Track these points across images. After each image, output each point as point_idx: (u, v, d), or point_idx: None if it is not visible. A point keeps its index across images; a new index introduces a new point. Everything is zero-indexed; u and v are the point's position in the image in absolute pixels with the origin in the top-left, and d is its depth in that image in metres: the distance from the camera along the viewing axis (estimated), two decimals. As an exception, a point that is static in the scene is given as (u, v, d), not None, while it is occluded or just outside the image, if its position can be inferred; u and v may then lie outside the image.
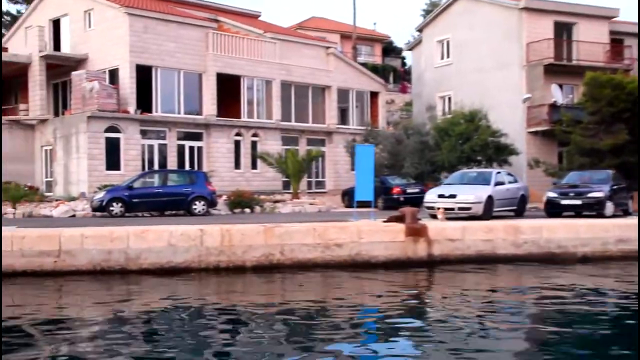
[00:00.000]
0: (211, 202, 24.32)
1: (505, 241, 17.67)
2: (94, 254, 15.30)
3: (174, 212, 24.81)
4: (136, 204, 23.39)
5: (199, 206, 23.90)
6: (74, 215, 24.35)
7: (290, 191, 32.61)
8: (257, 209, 26.99)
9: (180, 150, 31.52)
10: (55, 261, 15.12)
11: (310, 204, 29.05)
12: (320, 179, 37.27)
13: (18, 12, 47.47)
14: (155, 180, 24.59)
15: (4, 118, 32.21)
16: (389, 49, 68.63)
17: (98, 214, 24.04)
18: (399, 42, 72.90)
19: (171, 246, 15.70)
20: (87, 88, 28.58)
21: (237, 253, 16.06)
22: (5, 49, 34.75)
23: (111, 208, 23.04)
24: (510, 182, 21.97)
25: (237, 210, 26.38)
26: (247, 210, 26.61)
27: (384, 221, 18.10)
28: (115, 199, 23.12)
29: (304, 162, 30.64)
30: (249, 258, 16.11)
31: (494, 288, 14.88)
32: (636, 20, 34.18)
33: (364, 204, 21.70)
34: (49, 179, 31.63)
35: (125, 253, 15.46)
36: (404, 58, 70.01)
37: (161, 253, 15.62)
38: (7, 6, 52.00)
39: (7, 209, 24.67)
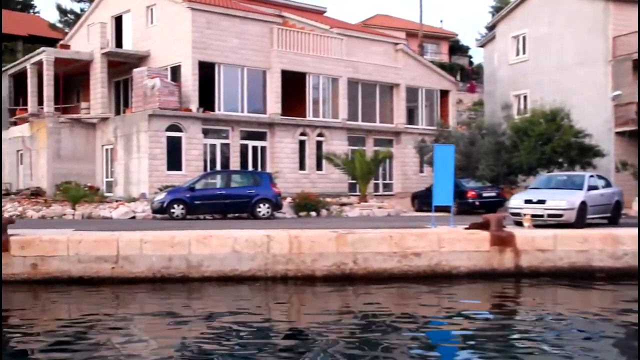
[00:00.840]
0: (276, 205, 23.26)
1: (603, 252, 16.01)
2: (153, 261, 14.39)
3: (236, 215, 23.86)
4: (198, 206, 22.52)
5: (263, 209, 22.88)
6: (133, 217, 23.68)
7: (357, 194, 31.45)
8: (324, 212, 25.84)
9: (243, 150, 30.65)
10: (112, 267, 14.28)
11: (379, 207, 27.74)
12: (387, 182, 35.86)
13: (82, 10, 47.61)
14: (218, 181, 23.69)
15: (65, 116, 32.00)
16: (455, 47, 66.79)
17: (158, 215, 23.29)
18: (466, 40, 70.96)
19: (236, 253, 14.66)
20: (148, 85, 27.98)
21: (306, 262, 14.93)
22: (68, 46, 34.64)
23: (172, 210, 22.23)
24: (603, 187, 20.15)
25: (302, 214, 25.29)
26: (313, 213, 25.48)
27: (466, 228, 16.65)
28: (176, 200, 22.29)
29: (372, 163, 29.30)
30: (319, 267, 14.96)
31: (594, 307, 13.25)
32: None
33: (439, 209, 20.25)
34: (109, 179, 31.21)
35: (186, 260, 14.50)
36: (470, 57, 68.08)
37: (225, 260, 14.61)
38: (71, 5, 52.53)
39: (67, 209, 24.21)
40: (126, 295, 13.76)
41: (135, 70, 29.57)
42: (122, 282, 14.19)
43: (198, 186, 22.93)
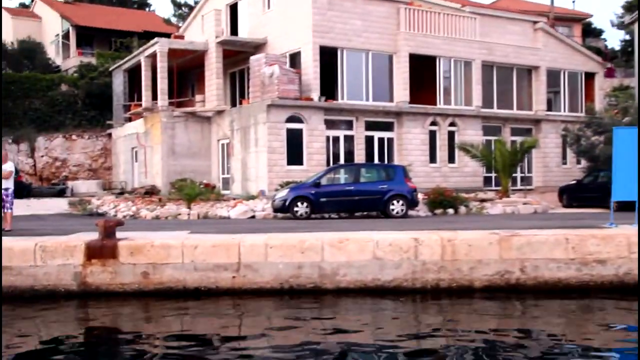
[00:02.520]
0: (411, 202, 20.78)
1: None
2: (280, 269, 12.34)
3: (364, 213, 21.59)
4: (323, 204, 20.39)
5: (397, 207, 20.46)
6: (253, 217, 21.89)
7: (493, 188, 28.56)
8: (462, 209, 23.10)
9: (368, 142, 28.35)
10: (233, 277, 12.33)
11: (524, 203, 24.64)
12: (525, 174, 32.53)
13: (195, 2, 46.96)
14: (346, 176, 21.44)
15: (180, 110, 30.88)
16: (588, 30, 61.91)
17: (279, 215, 21.39)
18: (599, 22, 65.62)
19: (377, 260, 12.37)
20: (266, 73, 26.21)
21: (462, 270, 12.46)
22: (182, 37, 33.61)
23: (295, 209, 20.22)
24: None
25: (437, 211, 22.67)
26: (450, 210, 22.82)
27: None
28: (300, 198, 20.26)
29: (517, 154, 26.22)
30: (478, 276, 12.47)
31: None
32: None
33: (598, 205, 17.09)
34: (225, 176, 29.81)
35: (319, 268, 12.35)
36: (605, 39, 63.03)
37: (365, 268, 12.36)
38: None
39: (182, 209, 22.75)
40: (249, 309, 11.76)
41: (252, 57, 27.92)
42: (245, 293, 12.26)
43: (324, 182, 20.78)
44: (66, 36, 48.90)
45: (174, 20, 51.11)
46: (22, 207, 24.28)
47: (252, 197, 24.91)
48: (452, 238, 12.59)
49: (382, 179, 21.10)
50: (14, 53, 46.64)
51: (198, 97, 32.17)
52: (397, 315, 11.47)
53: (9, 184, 16.52)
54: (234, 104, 31.78)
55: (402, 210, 20.48)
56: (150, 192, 28.50)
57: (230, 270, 12.34)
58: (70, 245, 12.45)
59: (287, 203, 20.29)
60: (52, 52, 50.00)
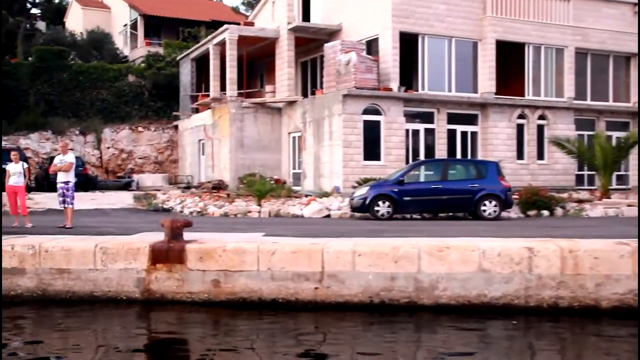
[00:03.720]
0: (505, 203, 18.87)
1: None
2: (370, 280, 10.74)
3: (450, 214, 19.82)
4: (407, 203, 18.68)
5: (489, 207, 18.59)
6: (328, 216, 20.40)
7: (586, 187, 26.36)
8: (558, 211, 21.04)
9: (450, 136, 26.48)
10: (316, 288, 10.80)
11: (628, 205, 22.34)
12: (622, 173, 30.00)
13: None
14: (432, 173, 19.64)
15: (249, 101, 29.61)
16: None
17: (357, 214, 19.84)
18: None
19: (483, 272, 10.65)
20: (342, 61, 24.62)
21: (586, 287, 10.63)
22: (252, 24, 32.34)
23: (376, 208, 18.59)
24: None
25: (531, 213, 20.68)
26: (545, 212, 20.78)
27: None
28: (381, 196, 18.62)
29: (621, 150, 23.91)
30: (605, 295, 10.63)
31: None
32: None
33: None
34: (296, 171, 28.41)
35: (415, 280, 10.71)
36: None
37: (469, 282, 10.66)
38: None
39: (252, 206, 21.44)
40: (333, 327, 10.23)
41: (326, 45, 26.36)
42: (328, 307, 10.72)
43: (407, 179, 19.06)
44: (134, 26, 48.52)
45: (242, 9, 50.19)
46: (86, 201, 23.42)
47: (326, 195, 23.44)
48: (574, 248, 10.73)
49: (472, 176, 19.22)
50: (83, 43, 46.47)
51: (268, 88, 30.87)
52: (510, 342, 9.74)
53: (69, 177, 15.44)
54: (305, 95, 30.33)
55: (494, 211, 18.59)
56: (218, 187, 27.33)
57: (312, 280, 10.83)
58: (133, 248, 11.18)
59: (367, 202, 18.68)
60: (120, 43, 49.73)
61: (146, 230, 14.30)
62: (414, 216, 19.83)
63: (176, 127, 38.50)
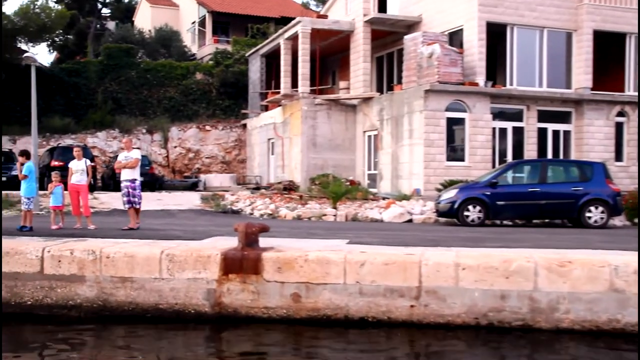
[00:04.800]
0: (614, 209, 17.00)
1: None
2: (476, 298, 9.29)
3: (546, 220, 18.07)
4: (501, 208, 17.03)
5: (595, 214, 16.76)
6: (410, 220, 18.94)
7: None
8: (669, 220, 18.98)
9: (541, 135, 24.55)
10: (412, 306, 9.41)
11: None
12: None
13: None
14: (529, 174, 17.89)
15: (322, 97, 28.34)
16: None
17: (442, 219, 18.33)
18: None
19: (616, 293, 9.10)
20: (424, 54, 23.07)
21: None
22: (325, 16, 31.10)
23: (466, 213, 17.02)
24: None
25: (637, 220, 18.70)
26: (653, 221, 18.76)
27: None
28: (471, 200, 17.03)
29: None
30: None
31: None
32: None
33: None
34: (371, 172, 26.97)
35: (530, 299, 9.22)
36: None
37: (597, 304, 9.14)
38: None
39: (327, 208, 20.16)
40: (433, 351, 8.83)
41: (406, 37, 24.85)
42: (427, 328, 9.33)
43: (501, 181, 17.40)
44: (202, 23, 48.00)
45: (312, 5, 49.13)
46: (152, 201, 22.57)
47: (405, 197, 21.96)
48: None
49: (575, 179, 17.38)
50: (151, 41, 46.21)
51: (342, 84, 29.54)
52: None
53: (135, 175, 14.39)
54: (380, 92, 28.87)
55: (601, 218, 16.75)
56: (289, 188, 26.15)
57: (408, 297, 9.43)
58: (203, 255, 9.99)
59: (455, 206, 17.12)
60: (188, 40, 49.32)
61: (215, 234, 13.16)
62: (505, 223, 18.17)
63: (244, 125, 37.60)
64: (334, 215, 19.40)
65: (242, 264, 9.87)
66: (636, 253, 9.68)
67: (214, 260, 9.91)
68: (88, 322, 9.91)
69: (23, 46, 37.10)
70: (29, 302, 10.33)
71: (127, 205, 14.39)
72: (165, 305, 10.00)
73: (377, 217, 19.26)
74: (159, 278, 10.02)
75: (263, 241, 10.41)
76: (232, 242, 10.75)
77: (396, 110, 24.63)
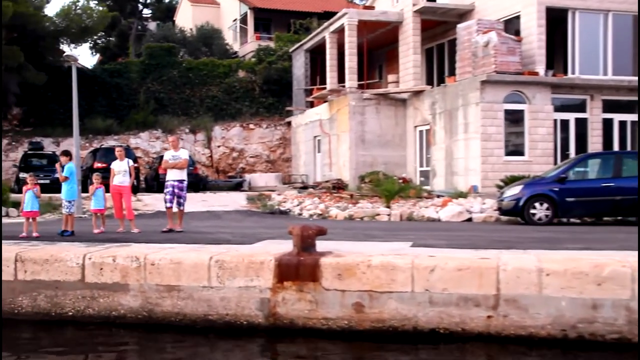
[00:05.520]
0: (696, 206, 15.73)
1: None
2: (563, 308, 8.30)
3: (618, 218, 16.86)
4: (571, 205, 15.88)
5: (674, 212, 15.53)
6: (469, 219, 17.91)
7: None
8: None
9: (607, 126, 23.23)
10: (489, 316, 8.47)
11: None
12: None
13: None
14: (602, 169, 16.66)
15: (371, 92, 27.44)
16: None
17: (504, 218, 17.27)
18: None
19: None
20: (480, 43, 22.00)
21: None
22: (372, 7, 30.18)
23: (532, 211, 15.92)
24: None
25: None
26: None
27: None
28: (538, 196, 15.93)
29: None
30: None
31: None
32: None
33: None
34: (423, 168, 25.96)
35: (627, 309, 8.24)
36: None
37: None
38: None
39: (379, 208, 19.25)
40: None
41: (459, 25, 23.79)
42: (506, 341, 8.40)
43: (571, 176, 16.26)
44: (244, 20, 47.49)
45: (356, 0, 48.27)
46: (197, 202, 21.98)
47: (461, 195, 20.92)
48: None
49: (653, 172, 16.14)
50: (193, 40, 45.86)
51: (390, 78, 28.59)
52: None
53: (183, 175, 13.74)
54: (430, 85, 27.80)
55: (683, 215, 15.51)
56: (337, 186, 25.31)
57: (484, 306, 8.49)
58: (255, 262, 9.19)
59: (520, 203, 16.03)
60: (230, 38, 48.87)
61: (266, 237, 12.40)
62: (572, 221, 17.00)
63: (289, 123, 36.90)
64: (388, 215, 18.49)
65: (298, 270, 9.05)
66: None
67: (268, 267, 9.11)
68: (133, 333, 9.23)
69: (65, 48, 37.01)
70: (70, 313, 9.70)
71: (168, 204, 13.72)
72: (215, 316, 9.25)
73: (433, 216, 18.29)
74: (208, 286, 9.27)
75: (318, 244, 9.57)
76: (285, 246, 9.98)
77: (450, 104, 23.59)
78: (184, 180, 13.69)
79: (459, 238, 12.13)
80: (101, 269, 9.63)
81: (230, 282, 9.22)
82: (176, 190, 13.57)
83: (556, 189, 15.89)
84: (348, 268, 8.89)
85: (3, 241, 11.83)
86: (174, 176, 13.67)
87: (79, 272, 9.71)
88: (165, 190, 13.79)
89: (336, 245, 10.33)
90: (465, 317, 8.54)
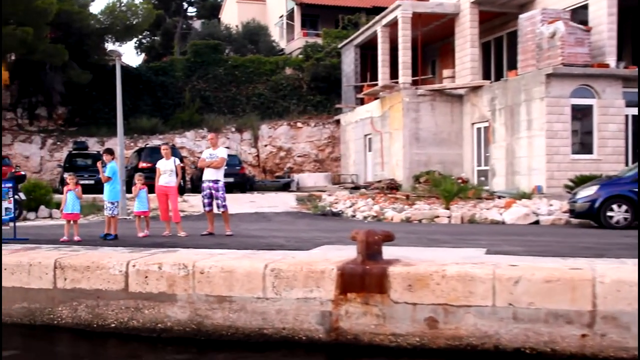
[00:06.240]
0: None
1: None
2: (670, 328, 7.22)
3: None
4: (654, 207, 14.71)
5: None
6: (536, 222, 16.81)
7: None
8: None
9: (680, 122, 21.84)
10: (583, 335, 7.49)
11: None
12: None
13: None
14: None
15: (425, 88, 26.40)
16: None
17: (575, 221, 16.13)
18: None
19: None
20: (545, 33, 20.80)
21: None
22: (426, -1, 29.20)
23: (609, 213, 14.81)
24: None
25: None
26: None
27: None
28: (616, 197, 14.80)
29: None
30: None
31: None
32: None
33: None
34: (481, 168, 24.83)
35: None
36: None
37: None
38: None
39: (438, 209, 18.25)
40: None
41: (522, 16, 22.58)
42: (601, 365, 7.35)
43: (655, 175, 15.09)
44: (290, 17, 46.82)
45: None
46: (245, 204, 21.28)
47: (524, 196, 19.79)
48: None
49: None
50: (238, 37, 45.36)
51: (445, 73, 27.47)
52: None
53: (219, 175, 12.94)
54: (488, 80, 26.62)
55: None
56: (391, 186, 24.36)
57: (578, 324, 7.51)
58: (315, 270, 8.35)
59: (596, 205, 14.90)
60: (276, 35, 48.26)
61: (322, 241, 11.55)
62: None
63: (338, 121, 36.02)
64: (448, 217, 17.50)
65: (363, 280, 8.18)
66: None
67: (329, 276, 8.26)
68: (180, 348, 8.47)
69: (110, 46, 36.84)
70: (113, 325, 9.00)
71: (206, 208, 13.01)
72: (270, 330, 8.44)
73: (497, 219, 17.25)
74: (263, 298, 8.46)
75: (391, 254, 8.69)
76: (346, 253, 9.15)
77: (511, 99, 22.43)
78: (219, 180, 12.90)
79: (535, 244, 11.10)
80: (146, 277, 8.91)
81: (288, 293, 8.39)
82: (212, 192, 12.84)
83: (636, 190, 14.70)
84: (420, 278, 7.98)
85: (44, 245, 11.29)
86: (209, 176, 12.91)
87: (122, 280, 9.00)
88: (202, 193, 13.10)
89: (401, 252, 9.43)
90: (556, 336, 7.56)
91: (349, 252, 9.09)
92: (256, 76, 38.94)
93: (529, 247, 10.51)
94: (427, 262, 8.45)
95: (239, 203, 20.71)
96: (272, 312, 8.44)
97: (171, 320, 8.80)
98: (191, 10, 58.17)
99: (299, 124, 36.75)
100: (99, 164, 12.49)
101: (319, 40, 41.58)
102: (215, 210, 13.09)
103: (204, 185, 12.94)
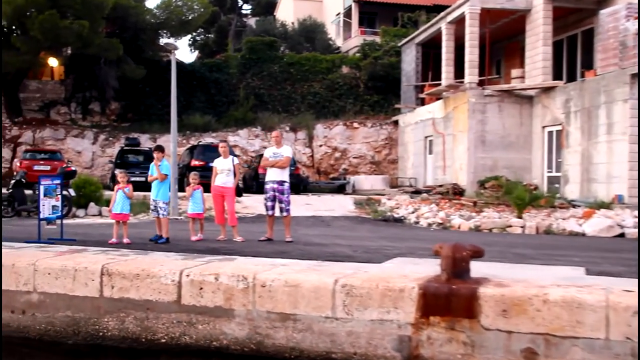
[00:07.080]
0: None
1: None
2: None
3: None
4: None
5: None
6: (621, 235, 15.45)
7: None
8: None
9: None
10: None
11: None
12: None
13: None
14: None
15: (493, 88, 25.10)
16: None
17: (665, 235, 14.75)
18: None
19: None
20: (630, 30, 19.38)
21: None
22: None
23: None
24: None
25: None
26: None
27: None
28: None
29: None
30: None
31: None
32: None
33: None
34: (553, 174, 23.42)
35: None
36: None
37: None
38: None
39: (510, 218, 17.02)
40: None
41: (603, 11, 21.15)
42: None
43: None
44: (347, 14, 45.89)
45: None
46: (301, 206, 20.40)
47: (603, 205, 18.37)
48: None
49: None
50: (294, 34, 44.63)
51: (514, 73, 26.10)
52: None
53: (284, 176, 12.02)
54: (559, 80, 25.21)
55: None
56: (455, 191, 23.17)
57: None
58: (392, 288, 7.32)
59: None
60: (333, 32, 47.39)
61: (393, 252, 10.55)
62: None
63: (395, 122, 34.88)
64: (522, 227, 16.27)
65: (449, 302, 7.12)
66: None
67: (409, 296, 7.23)
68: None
69: (165, 42, 36.44)
70: (163, 340, 8.13)
71: (269, 212, 12.05)
72: (339, 355, 7.45)
73: (576, 230, 15.95)
74: (332, 317, 7.47)
75: (481, 272, 7.62)
76: (422, 268, 8.14)
77: (588, 101, 21.02)
78: (285, 181, 11.94)
79: (635, 263, 9.88)
80: (201, 288, 8.01)
81: (361, 313, 7.39)
82: (276, 194, 11.88)
83: None
84: (517, 303, 6.88)
85: (91, 248, 10.54)
86: (273, 176, 11.96)
87: (174, 291, 8.12)
88: (265, 196, 12.13)
89: (487, 268, 8.31)
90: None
91: (426, 268, 8.08)
92: (312, 74, 38.13)
93: (630, 266, 9.31)
94: (522, 282, 7.35)
95: (294, 205, 19.64)
96: (342, 334, 7.45)
97: (227, 338, 7.88)
98: (246, 8, 57.77)
99: (355, 124, 35.74)
100: (155, 161, 11.64)
101: (377, 39, 40.52)
102: (276, 213, 12.16)
103: (267, 187, 11.99)
